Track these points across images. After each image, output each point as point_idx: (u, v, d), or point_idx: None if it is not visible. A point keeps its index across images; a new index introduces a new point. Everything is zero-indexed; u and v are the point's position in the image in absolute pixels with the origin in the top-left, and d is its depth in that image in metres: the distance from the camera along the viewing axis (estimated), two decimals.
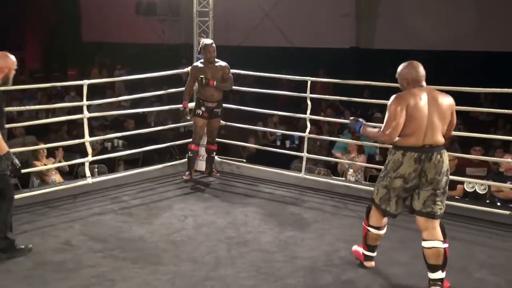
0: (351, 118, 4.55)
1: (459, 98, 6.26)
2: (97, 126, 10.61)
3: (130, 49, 16.27)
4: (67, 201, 5.91)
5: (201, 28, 7.80)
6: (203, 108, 6.57)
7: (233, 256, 4.66)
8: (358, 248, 4.53)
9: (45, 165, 7.21)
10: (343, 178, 7.44)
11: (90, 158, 6.25)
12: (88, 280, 4.16)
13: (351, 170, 7.62)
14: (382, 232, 4.34)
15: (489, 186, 6.45)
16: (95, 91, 11.79)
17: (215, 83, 6.47)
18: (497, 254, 4.79)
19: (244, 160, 7.44)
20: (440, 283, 4.05)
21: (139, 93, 8.92)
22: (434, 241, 4.06)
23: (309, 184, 6.56)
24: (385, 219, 4.30)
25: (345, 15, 14.13)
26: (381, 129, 4.03)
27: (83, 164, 6.45)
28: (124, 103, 11.69)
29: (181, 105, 6.89)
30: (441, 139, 4.02)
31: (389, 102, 4.04)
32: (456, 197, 6.61)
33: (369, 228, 4.33)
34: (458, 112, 4.83)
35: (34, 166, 7.03)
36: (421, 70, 4.11)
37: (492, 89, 5.80)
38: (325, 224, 5.41)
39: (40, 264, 4.44)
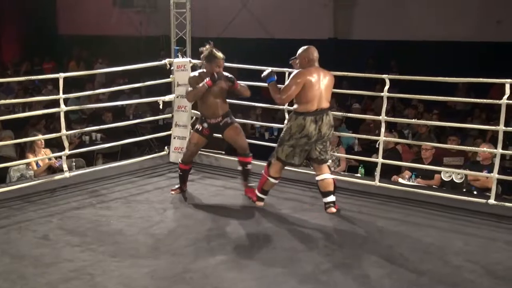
0: (269, 70, 5.47)
1: (436, 88, 6.39)
2: (75, 120, 10.52)
3: (107, 41, 16.12)
4: (45, 196, 5.86)
5: (179, 19, 7.76)
6: (205, 125, 5.78)
7: (213, 248, 4.67)
8: (254, 191, 5.68)
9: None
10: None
11: (67, 152, 6.20)
12: (67, 274, 4.13)
13: (329, 161, 7.63)
14: (278, 181, 5.58)
15: (466, 175, 6.53)
16: (74, 85, 11.70)
17: (239, 85, 5.72)
18: (473, 242, 4.86)
19: (223, 152, 7.43)
20: (332, 204, 5.40)
21: (117, 86, 8.86)
22: (325, 174, 5.41)
23: (288, 175, 6.56)
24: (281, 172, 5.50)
25: (323, 6, 14.15)
26: (279, 92, 5.26)
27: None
28: (102, 96, 11.60)
29: (159, 98, 6.88)
30: (327, 104, 5.30)
31: (292, 74, 5.26)
32: (434, 186, 6.69)
33: (269, 178, 5.48)
34: (435, 102, 5.20)
35: (27, 158, 6.97)
36: (316, 54, 5.32)
37: (468, 79, 5.87)
38: (303, 215, 5.44)
39: (18, 258, 4.40)
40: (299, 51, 5.36)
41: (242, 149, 5.90)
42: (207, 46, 5.65)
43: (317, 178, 5.45)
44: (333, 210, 5.38)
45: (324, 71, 5.31)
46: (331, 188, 5.41)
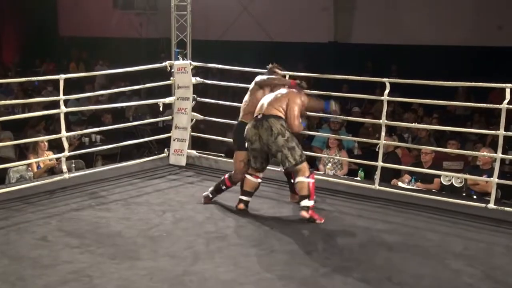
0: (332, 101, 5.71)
1: (436, 92, 6.38)
2: (74, 121, 10.51)
3: (108, 43, 16.13)
4: (44, 197, 5.85)
5: (179, 22, 7.75)
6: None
7: (212, 250, 4.66)
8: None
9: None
10: (322, 172, 7.47)
11: (66, 153, 6.19)
12: (65, 276, 4.12)
13: (329, 165, 7.65)
14: (256, 180, 5.52)
15: (466, 179, 6.52)
16: (73, 86, 11.69)
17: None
18: (473, 246, 4.86)
19: (223, 155, 7.42)
20: (306, 208, 5.23)
21: (116, 88, 8.85)
22: (299, 177, 5.26)
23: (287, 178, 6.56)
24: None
25: (323, 9, 14.16)
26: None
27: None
28: (101, 98, 11.59)
29: (159, 100, 6.88)
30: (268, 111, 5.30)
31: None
32: (433, 190, 6.68)
33: (247, 176, 5.51)
34: (435, 106, 5.17)
35: (29, 159, 6.95)
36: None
37: (468, 83, 5.87)
38: (303, 219, 5.42)
39: (16, 260, 4.39)
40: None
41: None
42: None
43: (293, 181, 5.44)
44: (306, 215, 5.23)
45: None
46: (306, 192, 5.21)
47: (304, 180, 5.23)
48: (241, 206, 5.52)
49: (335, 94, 6.80)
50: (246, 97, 5.72)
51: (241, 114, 5.71)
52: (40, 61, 16.69)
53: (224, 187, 5.73)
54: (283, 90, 5.48)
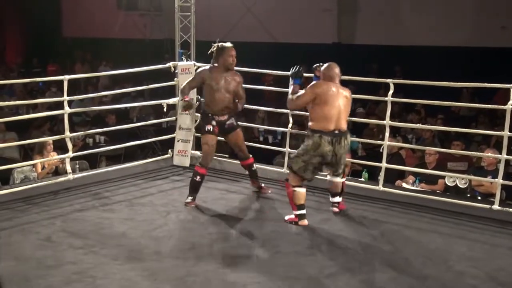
0: (299, 68, 5.49)
1: (440, 93, 6.37)
2: (78, 122, 10.53)
3: (112, 44, 16.14)
4: (48, 198, 5.86)
5: (183, 23, 7.75)
6: (213, 123, 5.76)
7: (215, 251, 4.66)
8: (289, 216, 5.28)
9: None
10: (325, 173, 7.45)
11: (70, 154, 6.20)
12: (69, 277, 4.13)
13: None
14: (304, 190, 5.26)
15: (470, 180, 6.51)
16: (77, 87, 11.72)
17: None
18: (477, 247, 4.85)
19: (227, 156, 7.41)
20: (337, 204, 5.51)
21: (120, 89, 8.86)
22: (337, 177, 5.41)
23: None
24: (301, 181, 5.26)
25: (327, 10, 14.15)
26: (291, 98, 5.25)
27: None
28: (105, 98, 11.62)
29: (163, 101, 6.86)
30: (345, 126, 5.20)
31: (311, 84, 5.24)
32: (438, 191, 6.67)
33: (294, 189, 5.19)
34: (439, 107, 5.23)
35: (34, 160, 6.96)
36: (337, 71, 5.32)
37: (472, 83, 5.87)
38: (307, 219, 5.42)
39: (21, 260, 4.40)
40: (322, 67, 5.43)
41: (244, 153, 6.07)
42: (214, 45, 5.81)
43: (330, 178, 5.51)
44: (336, 210, 5.52)
45: (344, 89, 5.25)
46: (339, 189, 5.52)
47: (341, 180, 5.50)
48: (306, 222, 5.23)
49: None
50: (223, 92, 5.77)
51: (204, 105, 5.92)
52: (37, 61, 16.70)
53: (199, 178, 5.71)
54: (345, 96, 5.26)
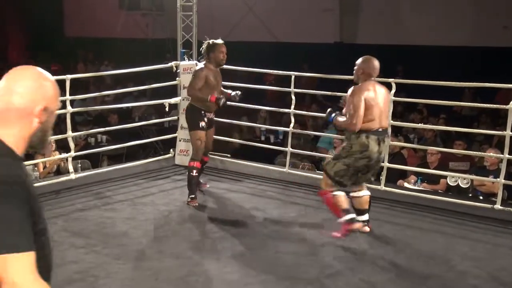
0: (328, 111, 5.03)
1: (442, 93, 6.37)
2: (80, 122, 10.53)
3: (114, 44, 16.15)
4: (50, 197, 5.86)
5: (185, 22, 7.76)
6: (206, 120, 5.83)
7: (217, 251, 4.66)
8: (336, 232, 4.80)
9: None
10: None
11: (72, 153, 6.21)
12: (71, 276, 4.13)
13: None
14: (343, 193, 4.79)
15: (472, 180, 6.50)
16: (80, 86, 11.72)
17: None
18: (479, 247, 4.84)
19: (229, 155, 7.42)
20: (367, 223, 4.93)
21: (122, 88, 8.86)
22: (364, 191, 4.93)
23: (293, 179, 6.57)
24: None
25: (329, 10, 14.14)
26: (348, 120, 4.67)
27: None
28: (107, 98, 11.61)
29: (165, 100, 6.87)
30: (387, 123, 4.85)
31: (349, 94, 4.70)
32: (439, 191, 6.66)
33: (332, 193, 4.77)
34: (441, 107, 5.14)
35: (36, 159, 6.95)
36: (376, 66, 4.83)
37: (474, 83, 5.86)
38: (308, 219, 5.42)
39: None
40: (358, 61, 4.87)
41: (208, 150, 6.19)
42: (204, 42, 5.87)
43: (355, 194, 4.92)
44: (367, 229, 4.93)
45: (380, 85, 4.85)
46: (368, 205, 4.97)
47: (368, 193, 4.99)
48: (360, 225, 4.87)
49: (341, 94, 6.80)
50: (218, 88, 5.85)
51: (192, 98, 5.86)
52: (39, 61, 16.70)
53: (195, 172, 5.75)
54: (385, 92, 4.87)
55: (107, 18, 16.64)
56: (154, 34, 16.20)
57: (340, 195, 4.78)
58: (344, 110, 4.83)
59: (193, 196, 5.76)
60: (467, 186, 6.54)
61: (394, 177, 6.88)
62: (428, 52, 12.31)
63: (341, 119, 4.80)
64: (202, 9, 7.99)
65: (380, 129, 4.69)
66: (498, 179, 5.55)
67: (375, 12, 13.55)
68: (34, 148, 1.82)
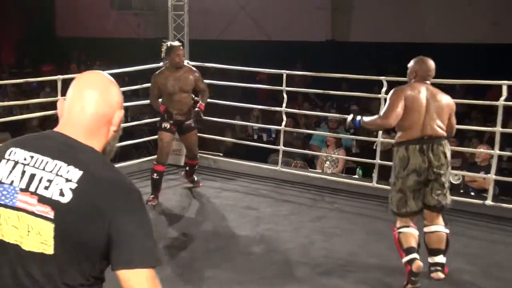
0: (348, 120, 4.38)
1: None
2: None
3: (106, 44, 16.10)
4: None
5: (176, 22, 7.74)
6: (171, 121, 5.72)
7: (210, 249, 4.66)
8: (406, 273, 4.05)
9: None
10: (320, 171, 7.47)
11: None
12: None
13: (327, 163, 7.65)
14: (412, 230, 4.08)
15: (463, 176, 6.52)
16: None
17: (203, 106, 5.79)
18: (472, 244, 4.86)
19: (221, 154, 7.42)
20: (441, 267, 4.09)
21: None
22: (438, 226, 4.13)
23: (286, 177, 6.58)
24: (413, 219, 4.13)
25: (321, 8, 14.16)
26: (380, 116, 4.09)
27: None
28: None
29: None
30: (440, 131, 4.01)
31: (390, 93, 4.12)
32: None
33: (400, 230, 4.08)
34: None
35: None
36: (431, 67, 4.13)
37: (465, 80, 5.89)
38: (301, 217, 5.43)
39: None
40: (410, 62, 4.23)
41: (193, 155, 6.04)
42: (164, 44, 5.82)
43: (426, 229, 4.17)
44: (441, 275, 4.09)
45: (438, 91, 4.11)
46: (443, 245, 4.15)
47: (444, 230, 4.17)
48: (419, 263, 3.96)
49: (334, 93, 6.82)
50: (178, 91, 5.72)
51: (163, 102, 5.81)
52: (29, 62, 16.64)
53: (156, 175, 5.69)
54: (439, 98, 4.08)
55: (99, 18, 16.59)
56: (146, 33, 16.16)
57: (405, 232, 4.05)
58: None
59: (152, 196, 5.69)
60: (459, 182, 6.56)
61: (387, 174, 6.87)
62: (419, 49, 12.31)
63: (369, 118, 4.24)
64: (194, 8, 7.98)
65: (425, 137, 3.97)
66: (489, 175, 5.57)
67: (367, 10, 13.57)
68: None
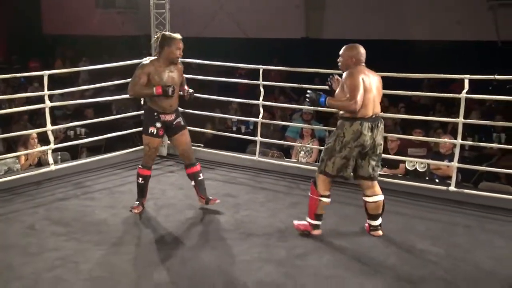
0: (309, 92, 4.62)
1: (403, 84, 6.42)
2: (59, 116, 10.38)
3: (91, 41, 15.93)
4: (31, 188, 5.78)
5: (158, 20, 7.67)
6: (158, 125, 4.95)
7: (192, 235, 4.66)
8: (302, 222, 4.66)
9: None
10: (295, 160, 7.50)
11: (52, 146, 6.12)
12: (52, 263, 4.08)
13: (302, 153, 7.68)
14: (329, 200, 4.56)
15: (429, 165, 6.60)
16: (59, 82, 11.53)
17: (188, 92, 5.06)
18: (436, 226, 4.93)
19: (202, 145, 7.40)
20: (380, 227, 4.66)
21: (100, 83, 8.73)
22: (376, 196, 4.59)
23: (263, 166, 6.59)
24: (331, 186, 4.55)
25: (296, 7, 14.17)
26: (348, 99, 4.25)
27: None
28: (86, 93, 11.46)
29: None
30: (380, 109, 4.46)
31: (345, 76, 4.35)
32: (399, 175, 6.74)
33: (321, 198, 4.50)
34: (401, 96, 4.97)
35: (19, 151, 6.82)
36: (364, 52, 4.46)
37: (430, 75, 5.93)
38: (277, 203, 5.45)
39: (5, 248, 4.34)
40: (343, 49, 4.48)
41: (189, 159, 5.19)
42: (158, 32, 4.95)
43: (368, 199, 4.60)
44: (380, 233, 4.65)
45: (372, 72, 4.47)
46: (380, 210, 4.64)
47: (381, 198, 4.61)
48: (319, 231, 4.62)
49: (307, 87, 6.82)
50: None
51: (149, 100, 4.99)
52: (17, 59, 16.39)
53: (141, 180, 5.09)
54: (377, 78, 4.48)
55: (84, 16, 16.41)
56: (130, 31, 16.02)
57: (326, 201, 4.52)
58: (336, 93, 4.45)
59: (137, 202, 5.11)
60: (424, 170, 6.64)
61: None
62: (389, 46, 12.43)
63: (336, 99, 4.40)
64: (175, 7, 7.91)
65: (374, 116, 4.37)
66: (452, 163, 5.64)
67: (339, 8, 13.63)
68: None
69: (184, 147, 5.15)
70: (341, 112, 4.41)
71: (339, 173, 4.45)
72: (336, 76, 4.67)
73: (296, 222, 4.71)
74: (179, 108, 5.20)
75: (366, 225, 4.72)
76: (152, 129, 4.97)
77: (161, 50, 4.86)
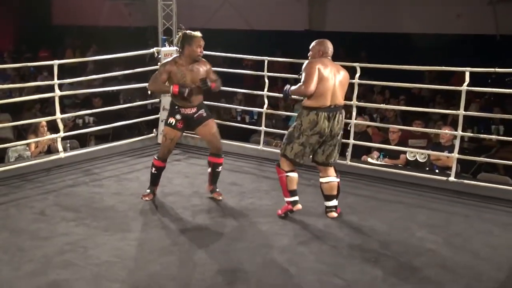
0: (287, 88, 4.77)
1: (403, 77, 6.40)
2: (68, 105, 10.37)
3: (99, 31, 15.88)
4: (41, 175, 5.79)
5: (165, 11, 7.66)
6: (178, 117, 4.92)
7: (198, 222, 4.67)
8: (281, 209, 4.79)
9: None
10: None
11: (62, 134, 6.12)
12: (62, 247, 4.10)
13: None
14: (296, 174, 4.70)
15: (429, 155, 6.59)
16: (69, 72, 11.52)
17: (214, 84, 4.94)
18: (435, 216, 4.92)
19: None
20: (334, 208, 4.78)
21: (108, 73, 8.72)
22: (329, 177, 4.75)
23: (267, 156, 6.58)
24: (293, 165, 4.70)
25: (299, 0, 14.10)
26: (302, 85, 4.48)
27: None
28: (94, 82, 11.44)
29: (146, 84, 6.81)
30: (341, 101, 4.60)
31: (304, 66, 4.56)
32: (400, 165, 6.73)
33: (287, 174, 4.67)
34: (401, 89, 4.95)
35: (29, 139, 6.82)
36: (331, 47, 4.65)
37: (431, 67, 5.91)
38: (281, 192, 5.41)
39: (16, 233, 4.36)
40: (313, 44, 4.70)
41: (215, 149, 5.13)
42: (180, 31, 4.95)
43: (322, 180, 4.77)
44: (334, 215, 4.77)
45: (339, 66, 4.68)
46: (335, 192, 4.77)
47: (335, 180, 4.76)
48: (300, 206, 4.76)
49: None
50: (189, 84, 4.86)
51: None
52: (27, 48, 16.36)
53: (154, 170, 5.09)
54: (341, 71, 4.65)
55: (92, 7, 16.34)
56: (137, 22, 15.96)
57: (293, 176, 4.67)
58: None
59: (149, 190, 5.14)
60: (425, 160, 6.63)
61: (360, 153, 6.93)
62: (390, 38, 12.36)
63: (294, 87, 4.61)
64: None
65: (333, 106, 4.50)
66: (452, 154, 5.63)
67: (341, 1, 13.55)
68: None
69: (209, 137, 5.08)
70: (303, 101, 4.58)
71: (296, 159, 4.62)
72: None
73: (278, 212, 4.81)
74: (203, 102, 5.08)
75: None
76: (171, 120, 4.96)
77: (182, 48, 4.84)
